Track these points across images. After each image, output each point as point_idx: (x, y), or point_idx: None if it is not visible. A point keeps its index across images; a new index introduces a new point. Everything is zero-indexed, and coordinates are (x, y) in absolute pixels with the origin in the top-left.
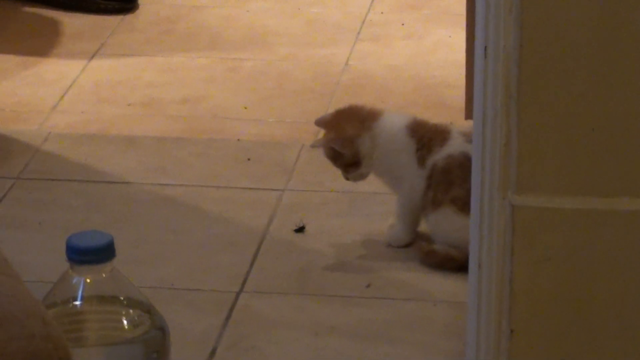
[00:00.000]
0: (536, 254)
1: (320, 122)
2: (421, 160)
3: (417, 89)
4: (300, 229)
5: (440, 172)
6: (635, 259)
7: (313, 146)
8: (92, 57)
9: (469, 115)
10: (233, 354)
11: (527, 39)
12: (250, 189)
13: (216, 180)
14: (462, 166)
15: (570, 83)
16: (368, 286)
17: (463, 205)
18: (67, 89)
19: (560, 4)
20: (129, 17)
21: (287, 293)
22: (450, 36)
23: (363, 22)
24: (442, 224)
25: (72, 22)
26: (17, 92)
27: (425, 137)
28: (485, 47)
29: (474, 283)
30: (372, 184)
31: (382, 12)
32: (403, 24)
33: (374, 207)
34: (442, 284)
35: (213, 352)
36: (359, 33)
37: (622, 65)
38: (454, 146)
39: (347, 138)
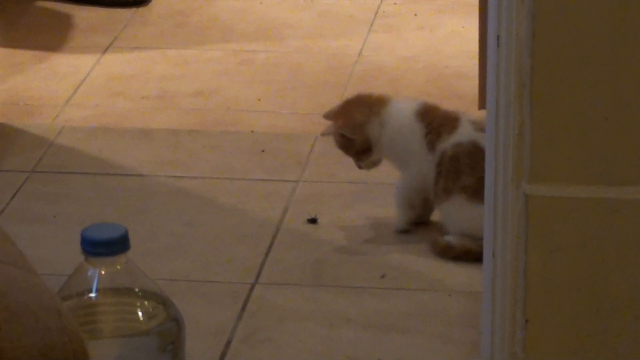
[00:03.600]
0: (550, 243)
1: (329, 115)
2: (430, 145)
3: (430, 79)
4: (313, 220)
5: (449, 161)
6: None
7: (324, 134)
8: (105, 50)
9: (482, 105)
10: (248, 346)
11: (539, 29)
12: (264, 180)
13: (230, 172)
14: (470, 155)
15: (583, 72)
16: (383, 277)
17: (473, 194)
18: (80, 83)
19: None
20: (141, 10)
21: (301, 284)
22: (463, 26)
23: (376, 13)
24: (453, 213)
25: (85, 15)
26: (31, 86)
27: (435, 122)
28: (498, 36)
29: (488, 273)
30: (386, 174)
31: (395, 3)
32: (416, 15)
33: (388, 198)
34: (457, 274)
35: (228, 344)
36: (372, 24)
37: (635, 54)
38: (464, 134)
39: (357, 124)
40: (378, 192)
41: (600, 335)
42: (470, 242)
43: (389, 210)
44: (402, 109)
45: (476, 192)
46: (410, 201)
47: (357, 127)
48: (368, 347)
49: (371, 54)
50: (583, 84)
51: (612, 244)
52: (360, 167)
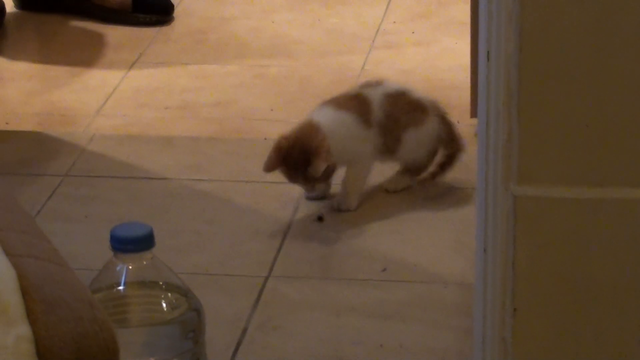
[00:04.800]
0: (537, 240)
1: (273, 164)
2: (367, 123)
3: (426, 90)
4: (321, 219)
5: (386, 117)
6: (628, 243)
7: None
8: (132, 65)
9: (473, 114)
10: (262, 333)
11: (526, 45)
12: (277, 183)
13: (246, 175)
14: (399, 100)
15: (566, 84)
16: (384, 270)
17: (417, 123)
18: (109, 95)
19: (556, 13)
20: (165, 29)
21: (310, 277)
22: (456, 43)
23: (377, 31)
24: (411, 148)
25: (114, 34)
26: (65, 98)
27: (357, 104)
28: (488, 52)
29: (480, 266)
30: (382, 177)
31: (394, 22)
32: (413, 32)
33: (387, 198)
34: (452, 267)
35: (244, 332)
36: (373, 41)
37: (613, 68)
38: (389, 86)
39: (326, 148)
40: (377, 194)
41: (581, 322)
42: (433, 164)
43: (388, 210)
44: (330, 117)
45: (419, 121)
46: (364, 183)
47: (329, 151)
48: (371, 333)
49: (373, 68)
50: (566, 95)
51: (594, 240)
52: (311, 192)
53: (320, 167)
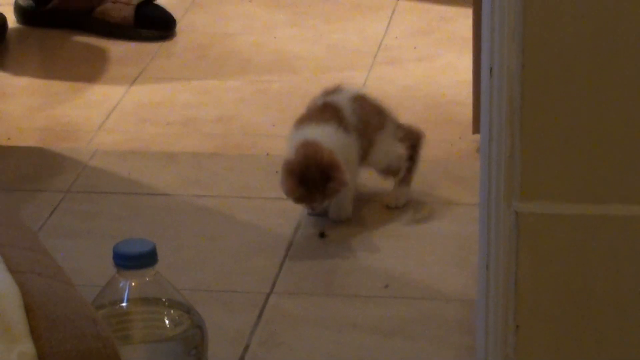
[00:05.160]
0: (539, 256)
1: (294, 189)
2: (346, 130)
3: (428, 106)
4: (323, 235)
5: (359, 121)
6: (629, 259)
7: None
8: (134, 81)
9: (476, 130)
10: (264, 350)
11: (528, 61)
12: (279, 199)
13: (247, 191)
14: (363, 103)
15: (568, 100)
16: (386, 286)
17: (382, 125)
18: (112, 110)
19: (558, 29)
20: (167, 44)
21: (313, 294)
22: (458, 58)
23: (379, 46)
24: (383, 150)
25: (116, 49)
26: (68, 114)
27: (330, 114)
28: (491, 68)
29: (482, 283)
30: (384, 194)
31: (396, 37)
32: (415, 48)
33: (389, 214)
34: (454, 283)
35: (246, 348)
36: (375, 56)
37: (615, 85)
38: (349, 90)
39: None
40: (379, 210)
41: (583, 339)
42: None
43: (390, 225)
44: (322, 134)
45: (384, 122)
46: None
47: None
48: (373, 350)
49: (375, 83)
50: (568, 111)
51: (595, 256)
52: (317, 209)
53: (344, 179)
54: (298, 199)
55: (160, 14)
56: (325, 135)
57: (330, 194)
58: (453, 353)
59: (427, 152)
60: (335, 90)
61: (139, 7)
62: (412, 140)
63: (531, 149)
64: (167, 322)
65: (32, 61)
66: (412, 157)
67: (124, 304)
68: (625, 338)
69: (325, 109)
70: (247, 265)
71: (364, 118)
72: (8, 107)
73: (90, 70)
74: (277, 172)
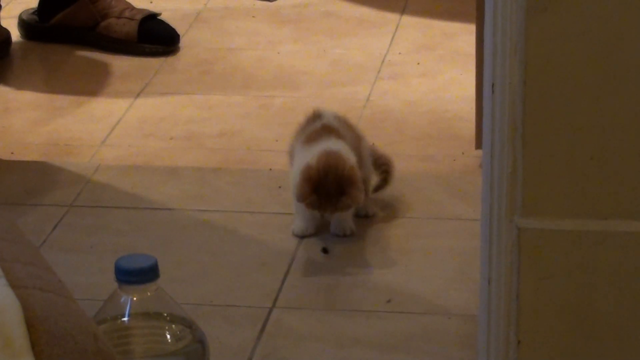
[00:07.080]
0: (540, 271)
1: (307, 194)
2: (350, 147)
3: (431, 122)
4: (325, 250)
5: (351, 138)
6: (630, 274)
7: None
8: (138, 95)
9: (478, 145)
10: None
11: (530, 77)
12: (281, 214)
13: (250, 206)
14: (344, 122)
15: (570, 116)
16: (388, 301)
17: (361, 140)
18: (115, 125)
19: (560, 46)
20: (170, 59)
21: (315, 308)
22: (461, 74)
23: (382, 62)
24: (368, 165)
25: (119, 64)
26: (71, 128)
27: (334, 133)
28: (493, 84)
29: (484, 298)
30: (387, 211)
31: (399, 53)
32: (418, 64)
33: (390, 229)
34: (456, 298)
35: None
36: (378, 72)
37: (617, 101)
38: (330, 113)
39: (360, 178)
40: (381, 225)
41: (585, 355)
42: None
43: (392, 240)
44: (344, 147)
45: (361, 138)
46: None
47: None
48: None
49: (378, 99)
50: (570, 127)
51: (597, 272)
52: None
53: (359, 196)
54: (309, 205)
55: (164, 30)
56: (345, 149)
57: (342, 208)
58: None
59: (430, 167)
60: (319, 114)
61: (142, 23)
62: (385, 166)
63: (533, 164)
64: (168, 337)
65: (35, 76)
66: (386, 179)
67: (125, 319)
68: (627, 354)
69: (327, 129)
70: (249, 280)
71: (352, 135)
72: (12, 122)
73: (94, 85)
74: (279, 187)
